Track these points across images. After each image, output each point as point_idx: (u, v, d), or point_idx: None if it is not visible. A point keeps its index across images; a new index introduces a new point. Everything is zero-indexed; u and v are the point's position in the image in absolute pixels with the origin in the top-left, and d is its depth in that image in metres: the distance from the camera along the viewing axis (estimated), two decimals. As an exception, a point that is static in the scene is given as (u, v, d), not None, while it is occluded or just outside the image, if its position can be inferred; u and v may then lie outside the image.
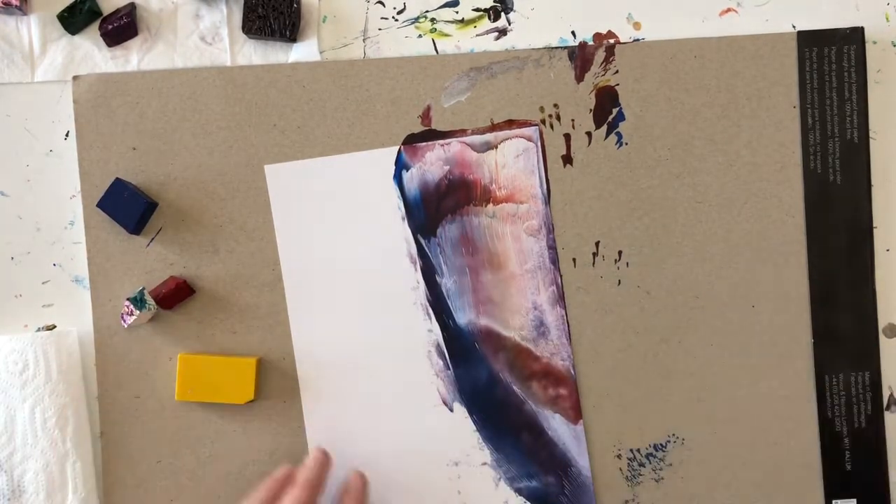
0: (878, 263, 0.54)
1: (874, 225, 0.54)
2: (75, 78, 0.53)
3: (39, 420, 0.51)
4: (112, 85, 0.53)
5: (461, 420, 0.54)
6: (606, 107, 0.53)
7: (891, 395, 0.54)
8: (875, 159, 0.54)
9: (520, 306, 0.54)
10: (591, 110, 0.53)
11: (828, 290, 0.54)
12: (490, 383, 0.54)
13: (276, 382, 0.54)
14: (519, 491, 0.54)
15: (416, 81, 0.53)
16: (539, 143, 0.53)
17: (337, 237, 0.53)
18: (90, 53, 0.53)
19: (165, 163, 0.53)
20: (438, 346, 0.54)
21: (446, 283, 0.53)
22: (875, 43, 0.54)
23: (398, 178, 0.53)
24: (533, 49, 0.53)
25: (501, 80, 0.53)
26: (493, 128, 0.53)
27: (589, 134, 0.53)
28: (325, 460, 0.52)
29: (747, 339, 0.54)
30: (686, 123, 0.53)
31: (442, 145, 0.53)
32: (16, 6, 0.52)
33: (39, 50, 0.53)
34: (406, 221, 0.53)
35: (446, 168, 0.53)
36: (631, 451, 0.54)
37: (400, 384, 0.54)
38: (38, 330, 0.53)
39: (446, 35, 0.54)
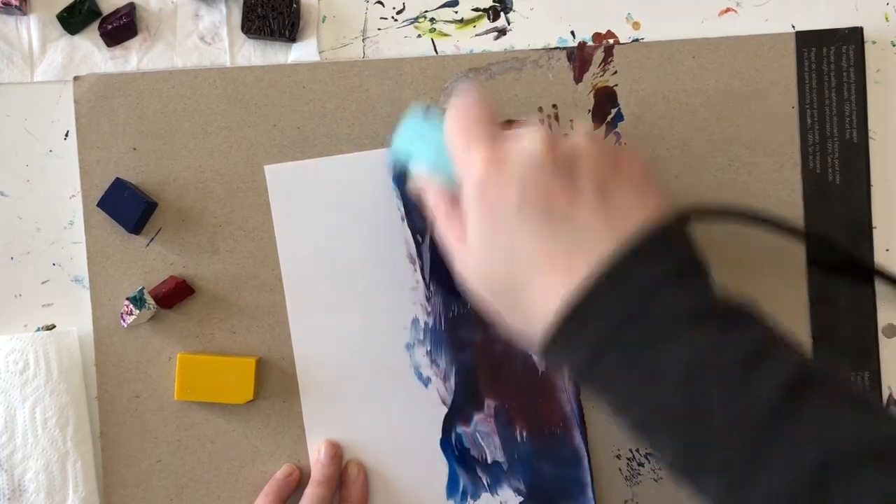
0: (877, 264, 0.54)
1: (874, 225, 0.54)
2: (76, 78, 0.53)
3: (40, 419, 0.51)
4: (112, 85, 0.53)
5: (460, 420, 0.54)
6: (605, 107, 0.53)
7: (890, 395, 0.54)
8: (874, 159, 0.54)
9: (519, 306, 0.54)
10: (589, 111, 0.53)
11: (827, 290, 0.54)
12: (489, 383, 0.54)
13: (275, 382, 0.54)
14: (518, 491, 0.54)
15: (415, 82, 0.53)
16: (538, 144, 0.53)
17: (336, 237, 0.53)
18: (90, 53, 0.53)
19: (165, 163, 0.53)
20: (437, 346, 0.54)
21: (445, 283, 0.54)
22: (874, 43, 0.54)
23: (397, 179, 0.53)
24: (532, 49, 0.53)
25: (500, 81, 0.53)
26: (493, 128, 0.53)
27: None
28: (338, 453, 0.52)
29: (747, 339, 0.54)
30: (685, 124, 0.53)
31: (441, 145, 0.53)
32: (15, 6, 0.52)
33: (39, 50, 0.53)
34: (405, 222, 0.53)
35: (445, 168, 0.53)
36: (630, 451, 0.54)
37: (400, 384, 0.54)
38: (38, 330, 0.54)
39: (445, 35, 0.54)
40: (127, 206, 0.52)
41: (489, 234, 0.40)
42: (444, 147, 0.43)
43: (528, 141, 0.40)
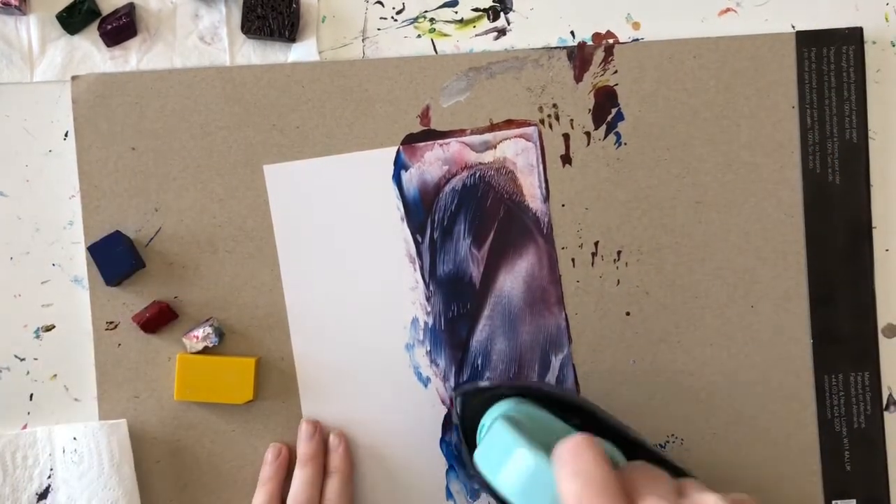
0: (877, 263, 0.54)
1: (873, 225, 0.54)
2: (74, 78, 0.53)
3: None
4: (111, 85, 0.53)
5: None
6: (605, 107, 0.53)
7: (890, 395, 0.54)
8: (874, 159, 0.54)
9: (519, 306, 0.54)
10: (590, 110, 0.53)
11: (827, 290, 0.54)
12: (489, 383, 0.54)
13: (275, 382, 0.54)
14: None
15: (414, 81, 0.53)
16: (538, 143, 0.53)
17: (336, 237, 0.53)
18: (89, 53, 0.53)
19: (164, 163, 0.53)
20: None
21: (445, 283, 0.54)
22: (874, 43, 0.54)
23: (397, 178, 0.53)
24: (532, 49, 0.53)
25: (500, 81, 0.53)
26: (492, 128, 0.53)
27: (588, 134, 0.53)
28: (317, 429, 0.53)
29: (747, 340, 0.54)
30: (685, 123, 0.53)
31: (441, 145, 0.53)
32: (15, 6, 0.52)
33: (38, 50, 0.53)
34: (405, 221, 0.53)
35: (445, 168, 0.53)
36: (630, 451, 0.54)
37: (399, 384, 0.54)
38: (38, 331, 0.54)
39: (445, 35, 0.54)
40: (115, 261, 0.51)
41: None
42: (544, 490, 0.38)
43: None
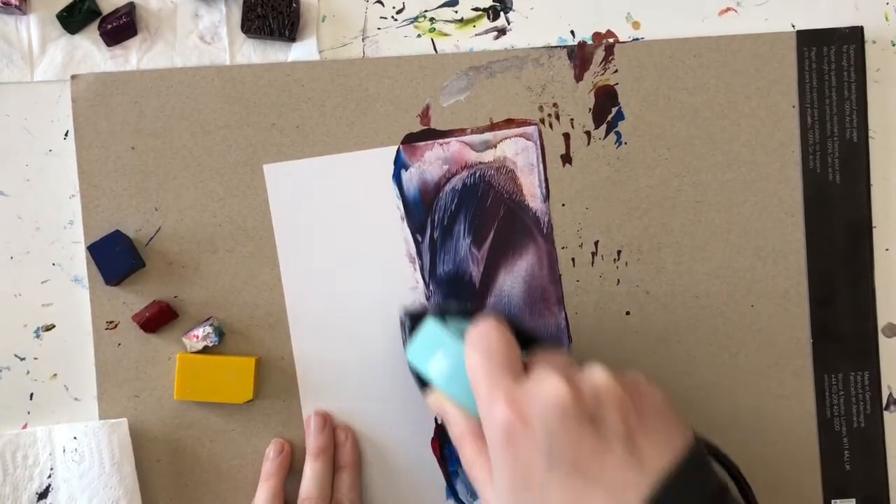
0: (877, 263, 0.54)
1: (873, 224, 0.54)
2: (73, 77, 0.53)
3: None
4: (111, 84, 0.53)
5: (460, 420, 0.54)
6: (606, 106, 0.53)
7: (890, 394, 0.54)
8: (874, 159, 0.54)
9: (519, 306, 0.54)
10: (590, 109, 0.53)
11: (827, 289, 0.54)
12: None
13: (275, 382, 0.54)
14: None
15: (414, 81, 0.53)
16: (538, 143, 0.53)
17: (335, 237, 0.53)
18: (89, 53, 0.53)
19: (164, 162, 0.53)
20: (437, 345, 0.54)
21: (445, 282, 0.54)
22: (874, 42, 0.54)
23: (397, 178, 0.53)
24: (532, 48, 0.53)
25: (500, 80, 0.53)
26: (492, 127, 0.53)
27: (588, 133, 0.53)
28: (327, 423, 0.53)
29: (747, 339, 0.54)
30: (685, 123, 0.53)
31: (441, 144, 0.53)
32: (15, 6, 0.52)
33: (39, 49, 0.53)
34: (405, 221, 0.53)
35: (445, 167, 0.53)
36: (630, 450, 0.54)
37: (399, 384, 0.54)
38: (38, 330, 0.54)
39: (445, 34, 0.54)
40: (115, 260, 0.51)
41: (519, 490, 0.39)
42: (465, 373, 0.42)
43: (551, 387, 0.38)
